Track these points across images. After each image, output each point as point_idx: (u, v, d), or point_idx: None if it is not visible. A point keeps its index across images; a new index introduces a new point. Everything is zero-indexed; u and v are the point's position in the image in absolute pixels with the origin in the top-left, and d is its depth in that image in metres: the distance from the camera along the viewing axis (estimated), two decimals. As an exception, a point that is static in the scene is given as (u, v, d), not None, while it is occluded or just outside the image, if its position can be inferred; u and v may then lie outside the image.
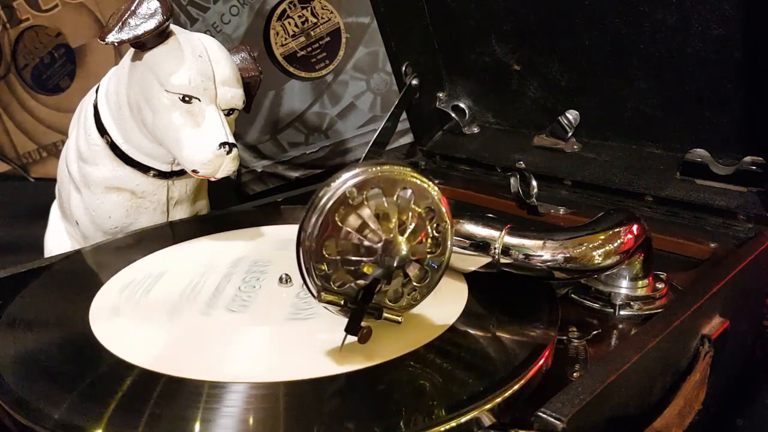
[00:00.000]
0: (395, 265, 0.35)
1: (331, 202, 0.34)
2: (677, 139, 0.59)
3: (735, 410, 0.50)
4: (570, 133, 0.66)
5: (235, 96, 0.53)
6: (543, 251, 0.42)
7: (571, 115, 0.65)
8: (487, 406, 0.32)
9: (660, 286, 0.46)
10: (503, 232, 0.42)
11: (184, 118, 0.50)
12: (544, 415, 0.29)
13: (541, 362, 0.36)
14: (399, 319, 0.36)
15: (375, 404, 0.32)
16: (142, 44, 0.51)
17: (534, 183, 0.62)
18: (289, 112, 0.96)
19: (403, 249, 0.35)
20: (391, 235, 0.35)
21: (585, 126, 0.65)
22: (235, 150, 0.51)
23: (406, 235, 0.36)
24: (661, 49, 0.56)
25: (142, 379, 0.33)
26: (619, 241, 0.42)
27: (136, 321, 0.40)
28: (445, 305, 0.41)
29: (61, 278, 0.47)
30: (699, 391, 0.39)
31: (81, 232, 0.60)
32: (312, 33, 0.93)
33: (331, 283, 0.35)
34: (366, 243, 0.35)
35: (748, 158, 0.54)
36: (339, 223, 0.34)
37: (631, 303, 0.45)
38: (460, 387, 0.33)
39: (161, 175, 0.57)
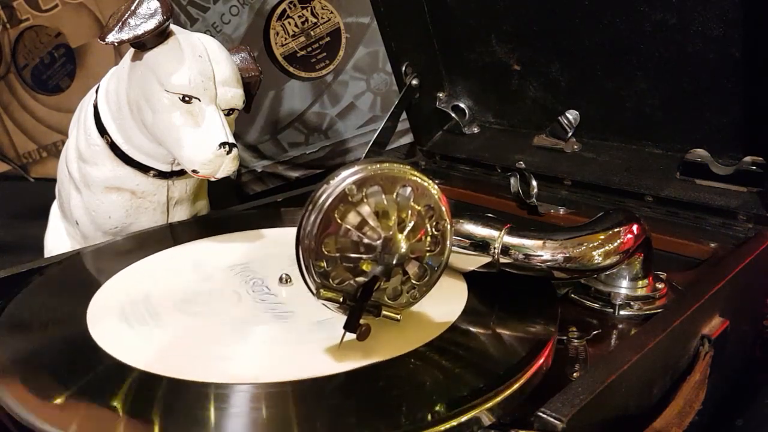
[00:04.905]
0: (394, 262, 0.35)
1: (330, 200, 0.34)
2: (677, 139, 0.59)
3: (735, 410, 0.50)
4: (570, 133, 0.66)
5: (235, 96, 0.53)
6: (543, 251, 0.42)
7: (571, 115, 0.65)
8: (487, 406, 0.32)
9: (660, 286, 0.46)
10: (503, 231, 0.42)
11: (184, 118, 0.50)
12: (544, 415, 0.29)
13: (541, 362, 0.36)
14: (398, 316, 0.36)
15: (374, 403, 0.32)
16: (142, 44, 0.51)
17: (534, 183, 0.62)
18: (289, 112, 0.96)
19: (403, 247, 0.35)
20: (391, 233, 0.35)
21: (585, 126, 0.65)
22: (235, 150, 0.51)
23: (405, 232, 0.36)
24: (661, 49, 0.56)
25: (140, 380, 0.33)
26: (619, 241, 0.42)
27: (133, 323, 0.40)
28: (445, 304, 0.41)
29: (61, 279, 0.47)
30: (699, 391, 0.39)
31: (81, 232, 0.60)
32: (312, 33, 0.93)
33: (330, 280, 0.35)
34: (365, 240, 0.35)
35: (748, 158, 0.54)
36: (338, 221, 0.34)
37: (631, 303, 0.45)
38: (459, 386, 0.33)
39: (161, 175, 0.56)
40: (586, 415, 0.30)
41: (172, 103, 0.50)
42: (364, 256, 0.35)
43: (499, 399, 0.32)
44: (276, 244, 0.52)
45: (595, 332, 0.43)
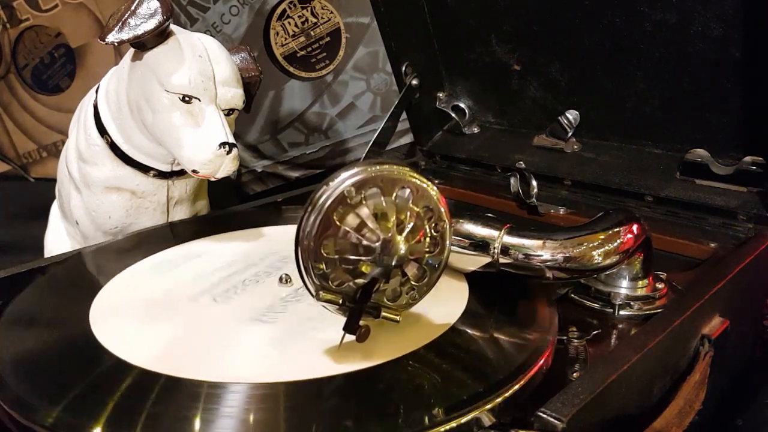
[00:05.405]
0: (393, 264, 0.35)
1: (329, 202, 0.34)
2: (677, 139, 0.59)
3: (735, 410, 0.50)
4: (570, 133, 0.65)
5: (235, 96, 0.53)
6: (542, 251, 0.42)
7: (571, 115, 0.65)
8: (487, 406, 0.32)
9: (660, 286, 0.46)
10: (502, 231, 0.42)
11: (184, 118, 0.50)
12: (544, 415, 0.29)
13: (541, 362, 0.36)
14: (397, 318, 0.36)
15: (374, 404, 0.32)
16: (142, 44, 0.51)
17: (534, 183, 0.62)
18: (289, 112, 0.96)
19: (402, 248, 0.35)
20: (390, 235, 0.35)
21: (585, 126, 0.65)
22: (235, 150, 0.51)
23: (404, 234, 0.36)
24: (661, 49, 0.56)
25: (142, 379, 0.33)
26: (618, 241, 0.42)
27: (136, 321, 0.40)
28: (445, 305, 0.41)
29: (62, 278, 0.47)
30: (699, 391, 0.39)
31: (81, 232, 0.60)
32: (312, 33, 0.93)
33: (330, 282, 0.35)
34: (364, 242, 0.35)
35: (748, 158, 0.54)
36: (337, 223, 0.34)
37: (631, 303, 0.45)
38: (460, 387, 0.33)
39: (161, 175, 0.56)
40: (586, 415, 0.30)
41: (172, 103, 0.50)
42: (363, 257, 0.35)
43: (499, 399, 0.32)
44: (276, 243, 0.52)
45: (595, 332, 0.43)
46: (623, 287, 0.45)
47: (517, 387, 0.33)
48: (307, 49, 0.93)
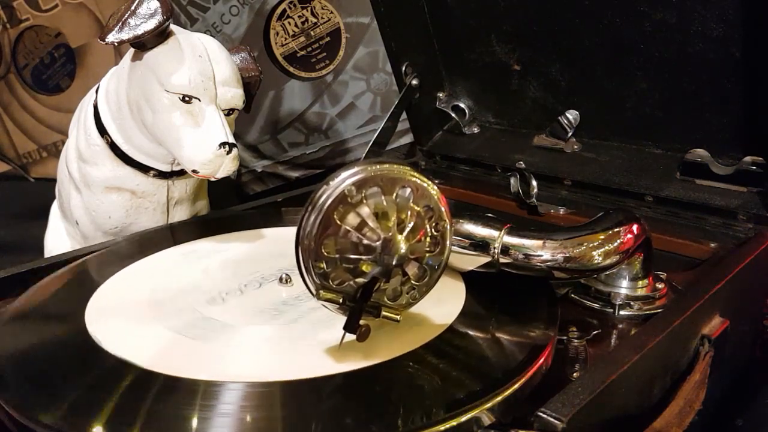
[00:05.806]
0: (394, 263, 0.35)
1: (330, 201, 0.34)
2: (677, 139, 0.59)
3: (735, 410, 0.50)
4: (570, 133, 0.65)
5: (235, 96, 0.53)
6: (542, 251, 0.42)
7: (571, 115, 0.65)
8: (487, 406, 0.32)
9: (660, 286, 0.46)
10: (502, 231, 0.42)
11: (184, 118, 0.50)
12: (544, 415, 0.29)
13: (541, 362, 0.36)
14: (398, 317, 0.36)
15: (374, 404, 0.32)
16: (142, 44, 0.51)
17: (534, 183, 0.62)
18: (289, 112, 0.96)
19: (402, 247, 0.35)
20: (390, 234, 0.35)
21: (585, 126, 0.65)
22: (235, 150, 0.51)
23: (405, 233, 0.36)
24: (661, 49, 0.56)
25: (140, 379, 0.33)
26: (618, 241, 0.42)
27: (133, 321, 0.40)
28: (444, 305, 0.41)
29: (61, 278, 0.47)
30: (699, 391, 0.39)
31: (81, 232, 0.60)
32: (312, 33, 0.93)
33: (330, 281, 0.35)
34: (365, 241, 0.35)
35: (748, 158, 0.54)
36: (338, 222, 0.34)
37: (631, 303, 0.45)
38: (459, 386, 0.33)
39: (161, 175, 0.56)
40: (586, 415, 0.30)
41: (172, 103, 0.50)
42: (363, 257, 0.35)
43: (499, 399, 0.32)
44: (276, 244, 0.52)
45: (595, 332, 0.43)
46: (623, 287, 0.45)
47: (516, 386, 0.33)
48: (307, 49, 0.93)
